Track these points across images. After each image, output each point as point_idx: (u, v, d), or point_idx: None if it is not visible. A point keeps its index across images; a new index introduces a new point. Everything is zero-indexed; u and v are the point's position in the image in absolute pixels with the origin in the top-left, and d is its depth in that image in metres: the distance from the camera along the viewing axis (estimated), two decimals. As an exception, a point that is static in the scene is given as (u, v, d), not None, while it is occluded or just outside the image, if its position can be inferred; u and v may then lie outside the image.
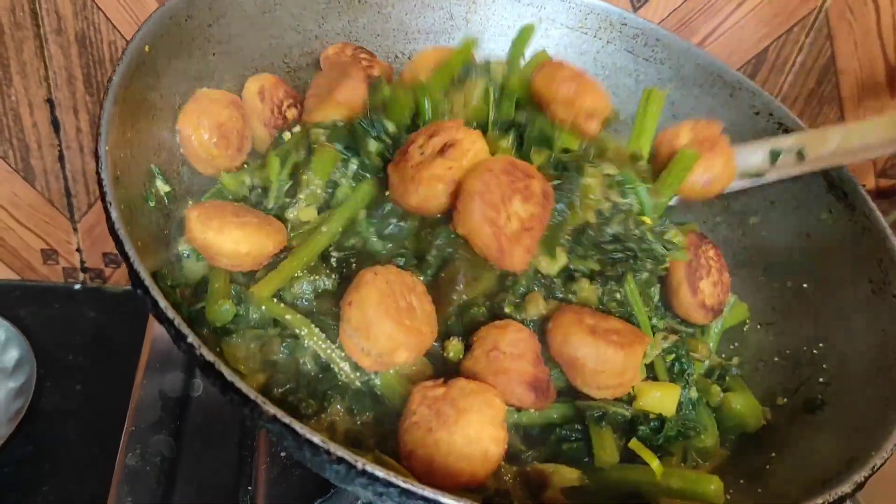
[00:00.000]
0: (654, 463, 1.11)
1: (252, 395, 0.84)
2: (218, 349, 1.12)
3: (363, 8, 1.63)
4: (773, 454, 1.22)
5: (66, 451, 1.96)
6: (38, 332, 2.10)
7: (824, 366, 1.33)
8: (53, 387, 2.08)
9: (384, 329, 1.01)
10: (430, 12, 1.71)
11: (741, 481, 1.19)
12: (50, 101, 1.98)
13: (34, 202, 2.17)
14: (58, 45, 1.88)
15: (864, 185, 1.42)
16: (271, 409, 0.83)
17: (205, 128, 1.30)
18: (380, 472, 0.81)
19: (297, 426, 0.83)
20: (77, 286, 2.38)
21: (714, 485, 1.08)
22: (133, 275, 0.91)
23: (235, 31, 1.44)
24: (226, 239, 1.13)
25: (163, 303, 0.89)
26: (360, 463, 0.81)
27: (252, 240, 1.14)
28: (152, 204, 1.19)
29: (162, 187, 1.23)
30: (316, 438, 0.82)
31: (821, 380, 1.31)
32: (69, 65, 1.91)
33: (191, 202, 1.29)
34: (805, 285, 1.45)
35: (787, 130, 1.55)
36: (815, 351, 1.36)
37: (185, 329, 0.87)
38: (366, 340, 1.02)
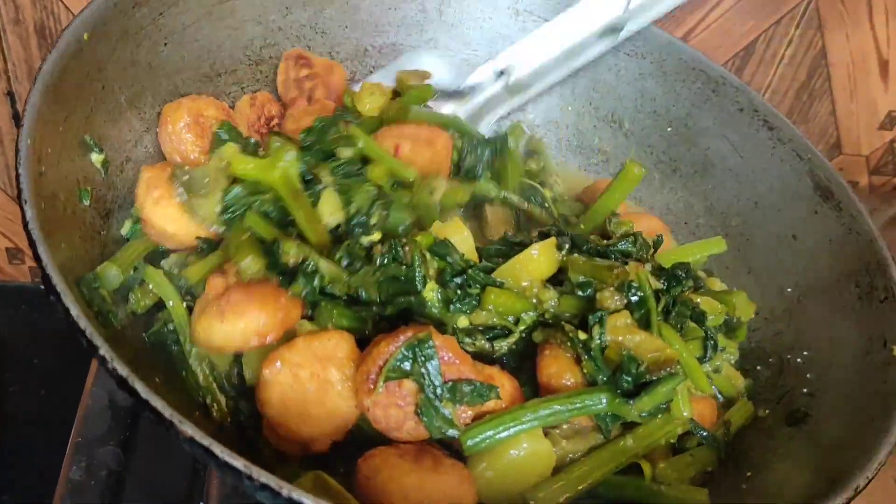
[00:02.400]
0: (648, 471, 1.09)
1: (167, 412, 0.76)
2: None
3: (329, -1, 1.56)
4: (749, 473, 1.14)
5: (30, 457, 1.89)
6: (2, 334, 2.05)
7: (808, 375, 1.25)
8: (17, 390, 2.02)
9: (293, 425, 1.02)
10: (402, 4, 1.63)
11: None
12: (10, 95, 1.91)
13: (-3, 200, 2.10)
14: (16, 36, 1.80)
15: (857, 183, 1.35)
16: (188, 430, 0.76)
17: (184, 112, 1.28)
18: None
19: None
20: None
21: (701, 497, 1.08)
22: (45, 279, 0.83)
23: (189, 20, 1.36)
24: (158, 213, 1.12)
25: (75, 311, 0.81)
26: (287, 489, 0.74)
27: (182, 222, 1.13)
28: (86, 202, 1.12)
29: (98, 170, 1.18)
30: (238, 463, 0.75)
31: (805, 390, 1.23)
32: (29, 57, 1.84)
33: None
34: (789, 290, 1.38)
35: (771, 128, 1.48)
36: (799, 360, 1.29)
37: (96, 340, 0.79)
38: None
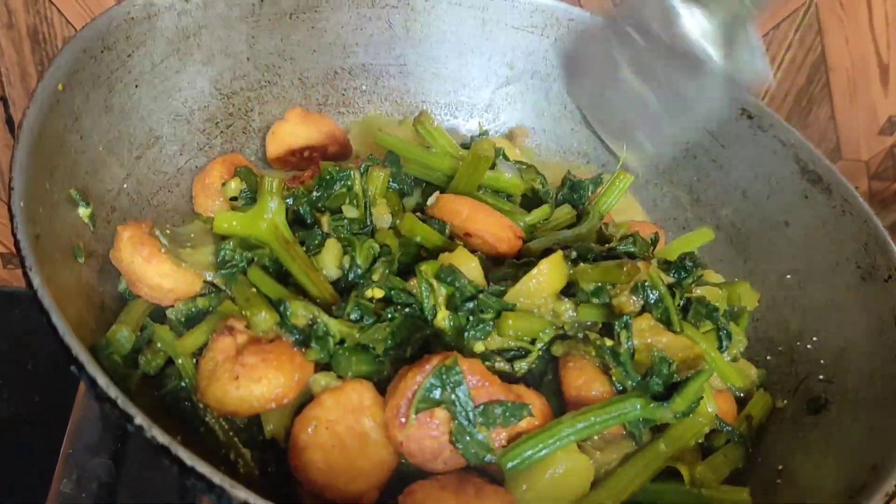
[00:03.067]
0: (687, 475, 1.08)
1: (216, 478, 0.72)
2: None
3: (295, 24, 1.51)
4: (781, 467, 1.14)
5: (23, 462, 1.80)
6: None
7: (822, 361, 1.26)
8: (10, 395, 1.99)
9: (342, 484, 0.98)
10: (367, 23, 1.60)
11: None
12: (3, 99, 1.86)
13: (-9, 205, 2.02)
14: (9, 41, 1.75)
15: (856, 188, 1.36)
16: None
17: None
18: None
19: None
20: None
21: (743, 496, 1.08)
22: (66, 352, 0.78)
23: (158, 59, 1.31)
24: (152, 272, 1.08)
25: (103, 381, 0.76)
26: None
27: (178, 276, 1.09)
28: (81, 260, 1.06)
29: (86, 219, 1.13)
30: None
31: (820, 377, 1.24)
32: (22, 61, 1.79)
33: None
34: (789, 276, 1.39)
35: (750, 116, 1.49)
36: (809, 346, 1.29)
37: (131, 410, 0.75)
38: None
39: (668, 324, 1.12)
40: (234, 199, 1.29)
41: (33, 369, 2.06)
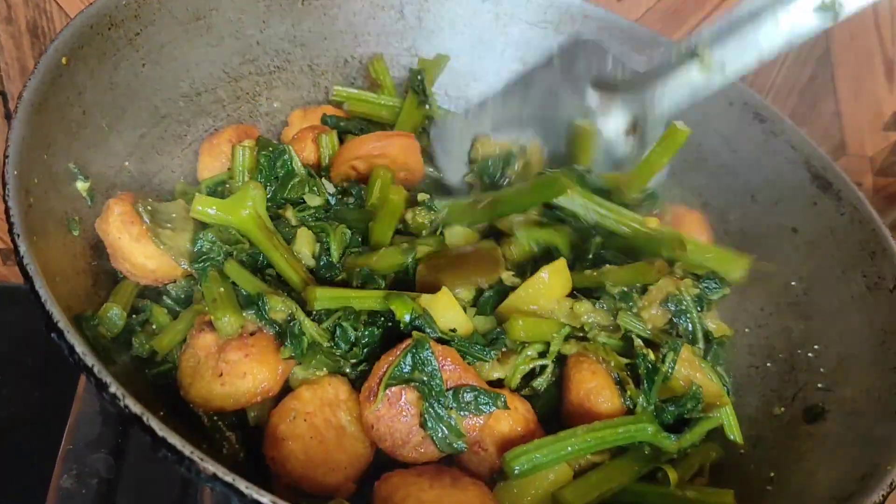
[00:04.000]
0: (674, 477, 1.06)
1: (187, 450, 0.72)
2: None
3: (307, 10, 1.51)
4: (773, 473, 1.12)
5: (22, 459, 1.77)
6: None
7: (822, 369, 1.23)
8: (10, 392, 1.97)
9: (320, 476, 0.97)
10: (379, 12, 1.60)
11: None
12: (2, 94, 1.87)
13: (-10, 200, 2.03)
14: (8, 35, 1.76)
15: (860, 184, 1.34)
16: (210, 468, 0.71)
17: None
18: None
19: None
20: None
21: (727, 499, 1.06)
22: (46, 317, 0.78)
23: (167, 38, 1.32)
24: (139, 251, 1.07)
25: (80, 348, 0.76)
26: None
27: (162, 259, 1.09)
28: (76, 233, 1.07)
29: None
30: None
31: (819, 385, 1.21)
32: (21, 56, 1.80)
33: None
34: (793, 283, 1.36)
35: (762, 121, 1.47)
36: (810, 354, 1.27)
37: (105, 377, 0.74)
38: None
39: (692, 342, 1.13)
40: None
41: (33, 367, 2.04)
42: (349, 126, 1.49)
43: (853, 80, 1.96)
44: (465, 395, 0.99)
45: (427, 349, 0.98)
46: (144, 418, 0.73)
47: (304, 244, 1.17)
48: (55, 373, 1.96)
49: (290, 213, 1.21)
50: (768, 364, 1.32)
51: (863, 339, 1.20)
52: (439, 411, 0.98)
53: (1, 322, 2.10)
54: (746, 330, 1.38)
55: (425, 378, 0.98)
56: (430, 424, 0.98)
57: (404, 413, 0.98)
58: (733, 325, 1.33)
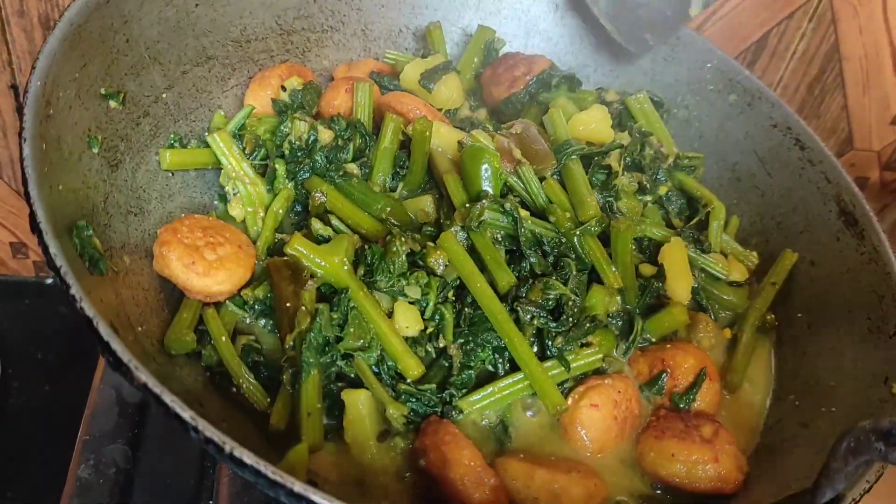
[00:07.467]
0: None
1: (125, 357, 0.76)
2: None
3: (368, -24, 1.55)
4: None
5: (34, 453, 1.85)
6: (5, 329, 2.01)
7: (798, 404, 1.22)
8: (21, 386, 1.98)
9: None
10: (440, -14, 1.62)
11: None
12: (14, 88, 1.87)
13: (1, 193, 2.05)
14: (20, 28, 1.77)
15: (867, 178, 1.30)
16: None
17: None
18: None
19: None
20: (49, 281, 2.22)
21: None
22: (32, 217, 0.84)
23: (226, -17, 1.37)
24: (210, 283, 1.12)
25: (54, 248, 0.82)
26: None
27: (234, 273, 1.14)
28: (95, 150, 1.12)
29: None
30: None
31: (798, 420, 1.19)
32: (33, 49, 1.80)
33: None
34: (800, 315, 1.34)
35: (803, 148, 1.43)
36: (798, 386, 1.25)
37: (69, 279, 0.80)
38: None
39: None
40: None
41: (43, 359, 2.05)
42: (390, 87, 1.50)
43: (862, 75, 1.94)
44: None
45: None
46: (134, 370, 0.78)
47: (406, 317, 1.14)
48: (65, 365, 2.01)
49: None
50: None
51: (851, 379, 1.20)
52: None
53: (12, 315, 2.12)
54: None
55: None
56: None
57: None
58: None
